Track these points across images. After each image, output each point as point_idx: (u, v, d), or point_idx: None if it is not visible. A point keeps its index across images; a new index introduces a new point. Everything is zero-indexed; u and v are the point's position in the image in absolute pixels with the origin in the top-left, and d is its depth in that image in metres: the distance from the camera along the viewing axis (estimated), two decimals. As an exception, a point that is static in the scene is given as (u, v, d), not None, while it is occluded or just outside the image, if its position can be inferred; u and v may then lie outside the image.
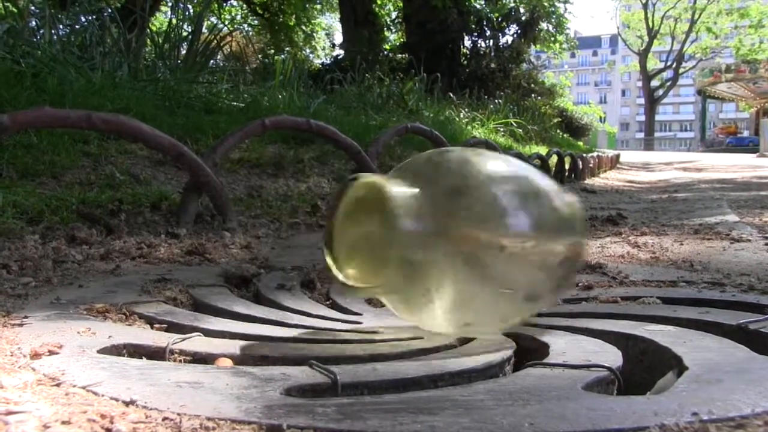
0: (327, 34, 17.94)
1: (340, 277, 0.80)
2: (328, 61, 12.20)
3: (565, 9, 13.24)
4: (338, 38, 16.42)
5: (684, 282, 1.29)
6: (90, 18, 4.41)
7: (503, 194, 0.80)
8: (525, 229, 0.79)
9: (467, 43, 12.23)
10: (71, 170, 2.29)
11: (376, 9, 12.62)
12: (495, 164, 0.85)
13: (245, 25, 14.98)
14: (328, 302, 1.19)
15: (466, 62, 11.85)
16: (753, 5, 31.16)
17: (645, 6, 34.56)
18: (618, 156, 10.52)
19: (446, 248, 0.77)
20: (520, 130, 8.74)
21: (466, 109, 8.43)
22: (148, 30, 4.73)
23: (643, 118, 44.40)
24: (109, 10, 4.56)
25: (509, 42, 12.45)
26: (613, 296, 1.14)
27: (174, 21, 4.83)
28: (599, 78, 65.16)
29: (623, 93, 64.02)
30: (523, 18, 12.33)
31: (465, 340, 0.84)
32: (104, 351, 0.75)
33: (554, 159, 5.55)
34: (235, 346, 0.79)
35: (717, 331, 0.87)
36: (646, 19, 34.56)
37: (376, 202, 0.78)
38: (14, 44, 3.15)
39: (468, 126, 7.32)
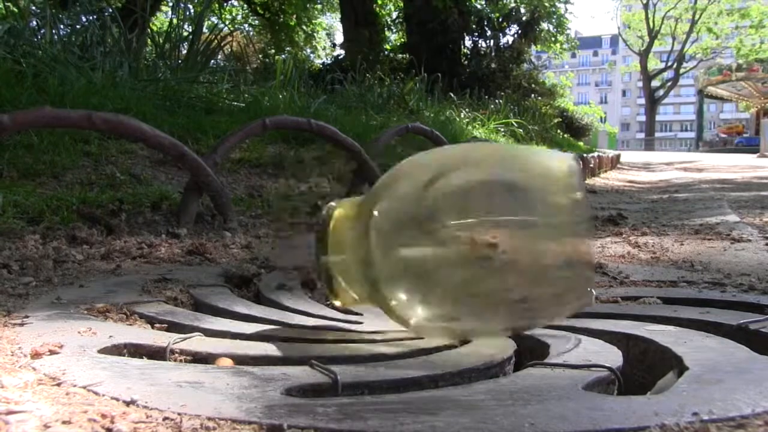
0: (328, 34, 17.95)
1: (337, 303, 0.87)
2: (329, 61, 12.20)
3: (566, 9, 13.25)
4: (339, 38, 16.44)
5: (684, 282, 1.29)
6: (91, 18, 4.41)
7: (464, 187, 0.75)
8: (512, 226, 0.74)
9: (468, 43, 12.23)
10: (72, 170, 2.29)
11: (377, 9, 12.62)
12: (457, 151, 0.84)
13: (246, 25, 15.00)
14: (328, 302, 1.19)
15: (466, 62, 11.84)
16: (754, 5, 31.16)
17: (646, 6, 34.56)
18: (618, 156, 10.52)
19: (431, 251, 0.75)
20: (521, 130, 8.73)
21: (467, 109, 8.42)
22: (149, 30, 4.73)
23: (643, 118, 44.42)
24: (110, 10, 4.56)
25: (510, 42, 12.45)
26: (613, 296, 1.14)
27: (175, 21, 4.83)
28: (600, 78, 65.16)
29: (624, 93, 64.03)
30: (524, 18, 12.32)
31: (465, 340, 0.84)
32: (105, 351, 0.75)
33: (555, 159, 5.54)
34: (235, 346, 0.79)
35: (717, 331, 0.87)
36: (647, 19, 34.57)
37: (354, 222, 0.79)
38: (15, 44, 3.16)
39: (469, 126, 7.31)
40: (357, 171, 2.69)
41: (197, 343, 0.80)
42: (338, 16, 14.00)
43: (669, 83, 36.64)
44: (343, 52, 12.09)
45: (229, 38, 6.00)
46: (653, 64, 37.22)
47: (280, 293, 1.17)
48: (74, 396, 0.59)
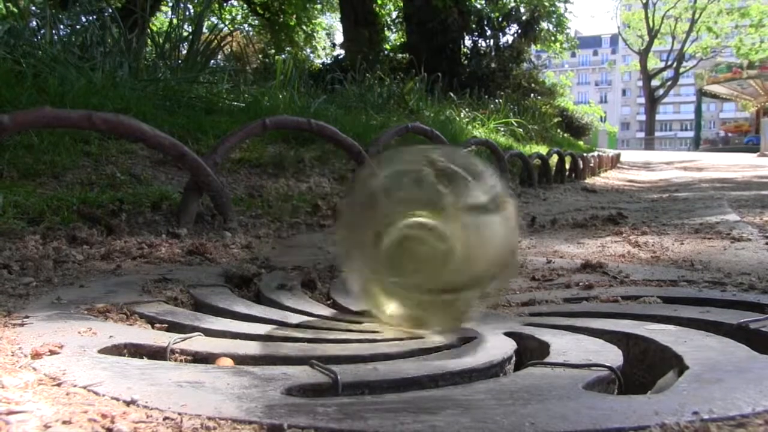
0: (327, 34, 17.93)
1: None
2: (329, 61, 12.21)
3: (566, 9, 13.26)
4: (339, 38, 16.45)
5: (684, 281, 1.29)
6: (91, 18, 4.41)
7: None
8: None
9: (468, 42, 12.23)
10: (72, 170, 2.29)
11: (377, 9, 12.62)
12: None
13: (246, 25, 14.99)
14: (328, 302, 1.19)
15: (466, 62, 11.85)
16: (753, 5, 31.12)
17: (645, 5, 34.54)
18: (618, 155, 10.52)
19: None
20: (521, 130, 8.73)
21: (467, 109, 8.42)
22: (149, 30, 4.73)
23: (643, 117, 44.41)
24: (110, 10, 4.56)
25: (510, 42, 12.45)
26: (613, 295, 1.14)
27: (175, 21, 4.84)
28: (600, 77, 65.13)
29: (624, 92, 64.00)
30: (524, 18, 12.32)
31: (466, 340, 0.84)
32: (105, 351, 0.75)
33: (555, 158, 5.55)
34: (235, 346, 0.79)
35: (718, 330, 0.87)
36: (647, 18, 34.55)
37: None
38: (15, 44, 3.16)
39: (468, 126, 7.31)
40: (356, 171, 2.69)
41: (197, 343, 0.80)
42: (338, 16, 14.00)
43: (669, 82, 36.62)
44: (342, 52, 12.10)
45: (229, 38, 6.00)
46: (653, 63, 37.19)
47: (280, 293, 1.17)
48: (74, 396, 0.59)
